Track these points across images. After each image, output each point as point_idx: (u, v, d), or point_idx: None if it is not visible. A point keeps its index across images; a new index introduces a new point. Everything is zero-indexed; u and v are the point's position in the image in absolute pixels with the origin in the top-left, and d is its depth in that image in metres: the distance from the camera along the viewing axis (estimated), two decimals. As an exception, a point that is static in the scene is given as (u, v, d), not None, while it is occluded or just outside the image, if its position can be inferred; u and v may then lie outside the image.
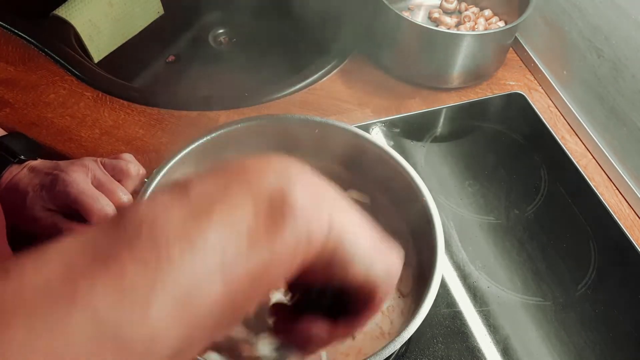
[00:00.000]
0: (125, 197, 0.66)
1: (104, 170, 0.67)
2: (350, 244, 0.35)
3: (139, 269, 0.27)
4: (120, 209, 0.30)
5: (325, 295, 0.38)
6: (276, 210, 0.31)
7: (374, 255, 0.37)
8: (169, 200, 0.30)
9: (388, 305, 0.72)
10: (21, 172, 0.66)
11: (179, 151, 0.74)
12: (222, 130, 0.77)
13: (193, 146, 0.75)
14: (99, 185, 0.65)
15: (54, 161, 0.68)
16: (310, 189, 0.34)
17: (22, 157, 0.67)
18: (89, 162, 0.66)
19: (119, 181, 0.67)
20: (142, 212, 0.29)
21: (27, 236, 0.64)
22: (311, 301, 0.38)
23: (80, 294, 0.26)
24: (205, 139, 0.76)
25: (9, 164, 0.66)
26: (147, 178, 0.71)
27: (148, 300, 0.26)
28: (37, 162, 0.68)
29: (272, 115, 0.80)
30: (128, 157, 0.70)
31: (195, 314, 0.28)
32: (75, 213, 0.64)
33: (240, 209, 0.31)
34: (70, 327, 0.25)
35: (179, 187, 0.31)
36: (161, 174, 0.72)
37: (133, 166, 0.69)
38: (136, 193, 0.69)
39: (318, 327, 0.39)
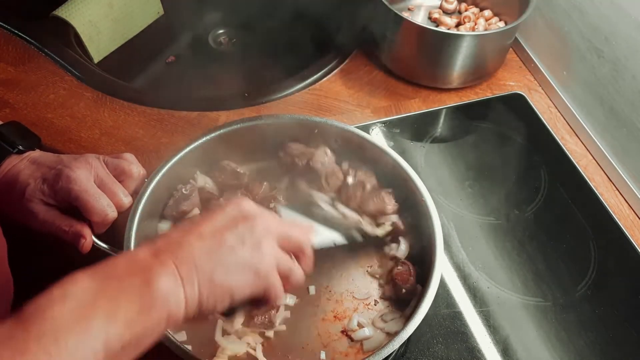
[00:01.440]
0: (126, 198, 0.66)
1: (107, 170, 0.66)
2: (214, 302, 0.49)
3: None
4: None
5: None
6: (144, 298, 0.45)
7: (245, 287, 0.51)
8: (58, 296, 0.42)
9: (387, 305, 0.72)
10: (21, 163, 0.65)
11: (179, 151, 0.75)
12: (222, 130, 0.77)
13: (193, 146, 0.75)
14: (101, 185, 0.65)
15: (56, 155, 0.67)
16: (179, 267, 0.47)
17: (21, 147, 0.66)
18: (92, 159, 0.66)
19: (120, 181, 0.67)
20: (34, 306, 0.41)
21: (23, 230, 0.64)
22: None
23: None
24: (205, 139, 0.76)
25: (8, 154, 0.65)
26: (147, 178, 0.71)
27: None
28: (38, 154, 0.67)
29: (272, 115, 0.80)
30: (129, 157, 0.69)
31: None
32: (73, 210, 0.64)
33: (116, 301, 0.44)
34: None
35: (65, 285, 0.43)
36: (161, 173, 0.72)
37: (135, 167, 0.68)
38: (136, 193, 0.69)
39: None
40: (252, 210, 0.54)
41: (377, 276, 0.75)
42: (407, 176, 0.74)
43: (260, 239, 0.52)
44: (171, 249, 0.49)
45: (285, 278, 0.54)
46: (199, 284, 0.48)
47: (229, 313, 0.54)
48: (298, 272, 0.55)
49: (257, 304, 0.54)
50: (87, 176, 0.64)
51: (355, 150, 0.79)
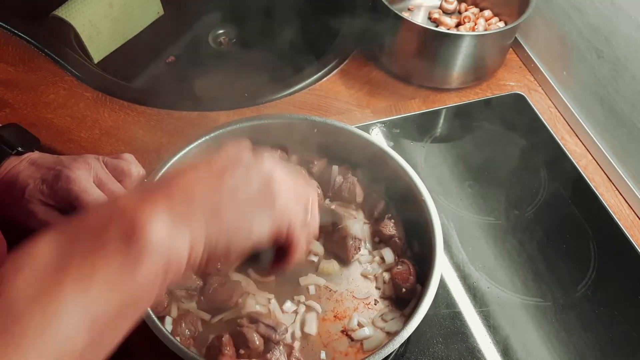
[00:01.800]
0: None
1: (106, 170, 0.66)
2: (227, 242, 0.40)
3: None
4: None
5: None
6: (130, 253, 0.35)
7: (262, 227, 0.42)
8: (11, 269, 0.34)
9: (387, 304, 0.72)
10: (20, 165, 0.65)
11: (179, 151, 0.75)
12: (222, 130, 0.77)
13: (192, 146, 0.75)
14: (100, 185, 0.65)
15: (56, 155, 0.68)
16: (175, 203, 0.38)
17: (20, 149, 0.66)
18: (91, 160, 0.66)
19: (119, 181, 0.67)
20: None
21: (22, 231, 0.64)
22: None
23: None
24: (205, 138, 0.76)
25: (7, 155, 0.65)
26: (146, 178, 0.71)
27: None
28: (37, 156, 0.67)
29: (271, 115, 0.80)
30: (129, 157, 0.70)
31: None
32: (73, 211, 0.64)
33: (90, 261, 0.35)
34: None
35: (21, 252, 0.35)
36: (160, 173, 0.72)
37: (134, 167, 0.68)
38: (136, 193, 0.69)
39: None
40: (252, 155, 0.46)
41: (372, 277, 0.75)
42: (407, 176, 0.74)
43: (269, 178, 0.44)
44: (161, 186, 0.40)
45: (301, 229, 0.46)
46: (205, 220, 0.39)
47: (251, 261, 0.46)
48: (315, 220, 0.47)
49: (279, 253, 0.46)
50: (86, 176, 0.64)
51: (355, 150, 0.79)
